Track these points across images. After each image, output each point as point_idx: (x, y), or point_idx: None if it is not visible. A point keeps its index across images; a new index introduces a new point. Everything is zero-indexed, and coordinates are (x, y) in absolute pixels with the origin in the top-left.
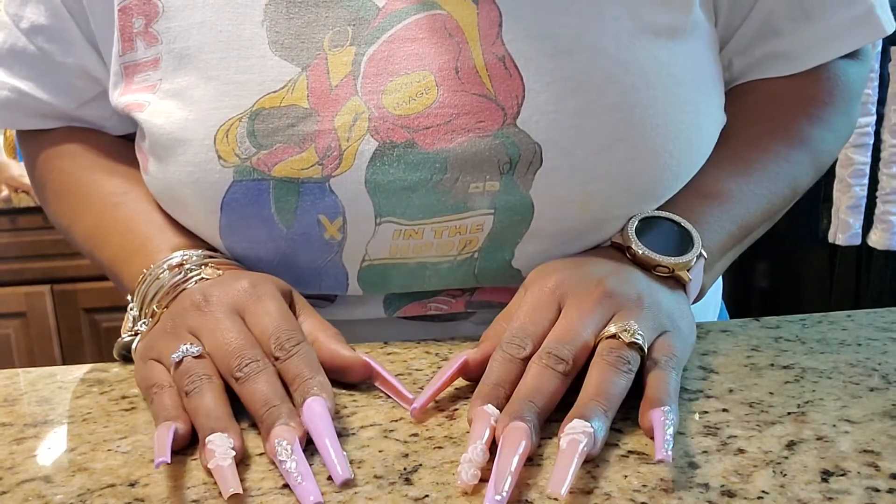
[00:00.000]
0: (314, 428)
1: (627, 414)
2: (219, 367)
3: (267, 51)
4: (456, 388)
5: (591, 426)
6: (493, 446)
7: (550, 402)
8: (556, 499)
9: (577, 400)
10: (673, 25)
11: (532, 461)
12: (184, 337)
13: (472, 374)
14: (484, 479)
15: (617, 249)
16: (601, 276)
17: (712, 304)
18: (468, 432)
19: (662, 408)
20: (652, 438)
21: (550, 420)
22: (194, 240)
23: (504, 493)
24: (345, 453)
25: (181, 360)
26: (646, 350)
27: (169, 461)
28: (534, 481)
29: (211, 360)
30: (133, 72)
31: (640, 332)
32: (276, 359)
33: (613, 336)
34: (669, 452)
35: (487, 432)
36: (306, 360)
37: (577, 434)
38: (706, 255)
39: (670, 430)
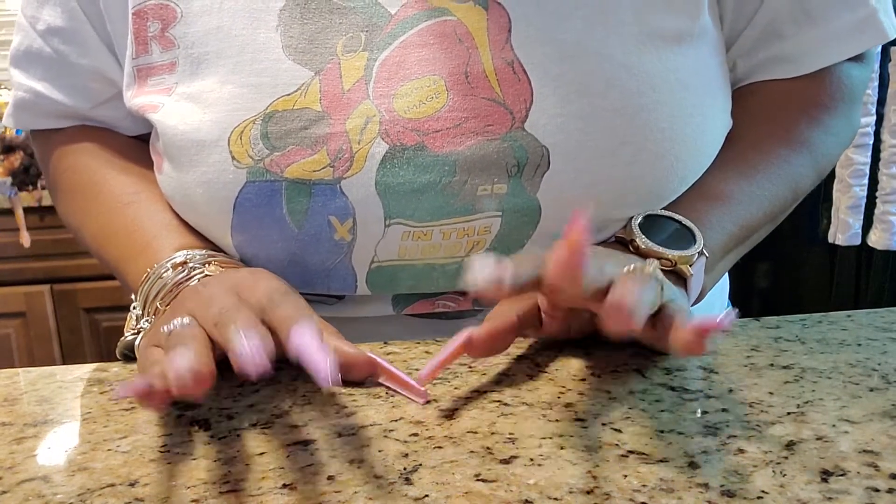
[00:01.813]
0: (300, 341)
1: (627, 414)
2: (203, 325)
3: (281, 55)
4: (455, 388)
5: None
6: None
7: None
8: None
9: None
10: (680, 30)
11: (532, 461)
12: (180, 316)
13: (476, 350)
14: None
15: (620, 244)
16: (608, 254)
17: (719, 304)
18: (468, 432)
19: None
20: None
21: (548, 420)
22: (200, 240)
23: None
24: (334, 360)
25: (172, 331)
26: (664, 290)
27: (126, 395)
28: (535, 481)
29: (200, 326)
30: (146, 74)
31: (656, 271)
32: (264, 311)
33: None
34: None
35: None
36: (296, 305)
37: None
38: (707, 254)
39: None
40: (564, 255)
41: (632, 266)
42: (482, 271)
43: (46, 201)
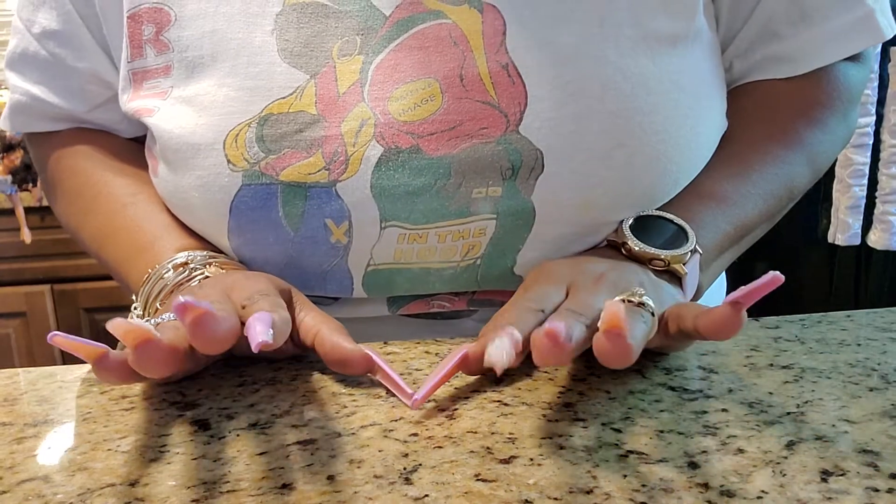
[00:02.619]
0: (252, 318)
1: (627, 414)
2: None
3: (276, 58)
4: (455, 388)
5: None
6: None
7: (581, 343)
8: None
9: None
10: (675, 33)
11: (532, 461)
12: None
13: (473, 367)
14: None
15: (612, 248)
16: (602, 270)
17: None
18: (468, 432)
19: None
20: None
21: (548, 420)
22: (200, 241)
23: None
24: (271, 331)
25: (158, 325)
26: (656, 316)
27: (61, 343)
28: (535, 481)
29: None
30: (142, 78)
31: (647, 296)
32: (244, 307)
33: (622, 301)
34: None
35: (513, 338)
36: (272, 303)
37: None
38: (701, 251)
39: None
40: (550, 357)
41: (621, 298)
42: (501, 357)
43: (47, 201)
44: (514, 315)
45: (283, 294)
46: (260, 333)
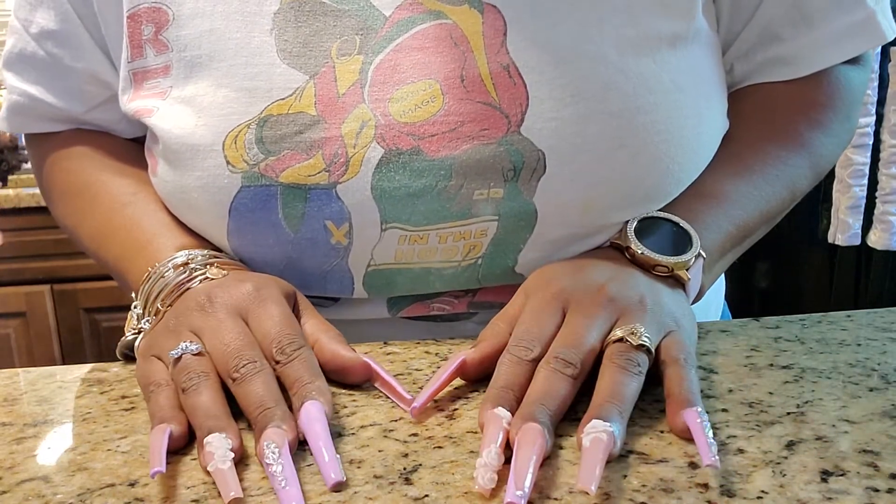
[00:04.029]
0: (310, 431)
1: None
2: (217, 366)
3: (275, 58)
4: (455, 388)
5: (610, 426)
6: (506, 451)
7: (561, 406)
8: (586, 493)
9: (591, 402)
10: (675, 32)
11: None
12: (185, 335)
13: (470, 373)
14: (502, 481)
15: (616, 250)
16: (602, 281)
17: (714, 304)
18: (468, 432)
19: (695, 408)
20: (687, 439)
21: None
22: (200, 240)
23: (525, 489)
24: (338, 456)
25: (180, 357)
26: (653, 352)
27: (164, 471)
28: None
29: (210, 359)
30: (142, 78)
31: (646, 334)
32: (277, 363)
33: (620, 340)
34: (717, 457)
35: (501, 435)
36: (307, 364)
37: (599, 433)
38: (705, 255)
39: (710, 432)
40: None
41: (620, 335)
42: (488, 483)
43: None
44: (505, 371)
45: (288, 298)
46: (335, 473)
